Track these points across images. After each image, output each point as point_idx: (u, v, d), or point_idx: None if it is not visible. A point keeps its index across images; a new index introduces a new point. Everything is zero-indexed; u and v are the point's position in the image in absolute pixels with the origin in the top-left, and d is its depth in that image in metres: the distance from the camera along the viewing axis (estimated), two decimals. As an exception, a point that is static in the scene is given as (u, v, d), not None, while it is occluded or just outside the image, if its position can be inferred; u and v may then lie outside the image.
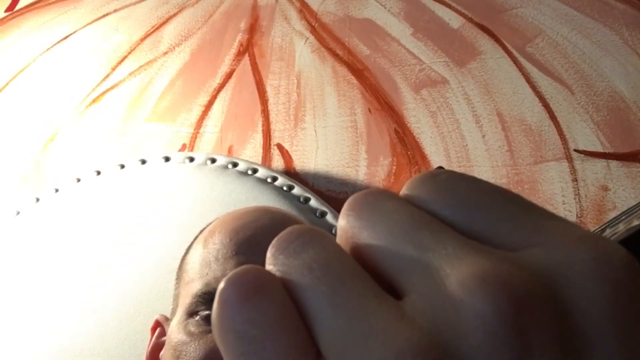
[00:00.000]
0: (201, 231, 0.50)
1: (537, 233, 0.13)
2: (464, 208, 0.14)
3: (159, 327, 0.52)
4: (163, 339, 0.50)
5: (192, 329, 0.43)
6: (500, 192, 0.14)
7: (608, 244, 0.13)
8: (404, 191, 0.15)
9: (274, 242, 0.15)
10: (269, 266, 0.15)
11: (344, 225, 0.15)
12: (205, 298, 0.43)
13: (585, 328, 0.12)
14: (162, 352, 0.48)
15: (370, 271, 0.14)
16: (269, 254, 0.15)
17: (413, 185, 0.15)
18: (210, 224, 0.50)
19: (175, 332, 0.44)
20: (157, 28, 1.04)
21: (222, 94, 0.91)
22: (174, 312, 0.48)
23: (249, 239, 0.44)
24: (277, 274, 0.14)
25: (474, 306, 0.12)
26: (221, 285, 0.14)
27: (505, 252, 0.13)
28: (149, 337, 0.52)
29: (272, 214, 0.49)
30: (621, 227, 0.17)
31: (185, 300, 0.45)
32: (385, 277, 0.14)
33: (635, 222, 0.17)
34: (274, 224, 0.46)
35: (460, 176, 0.15)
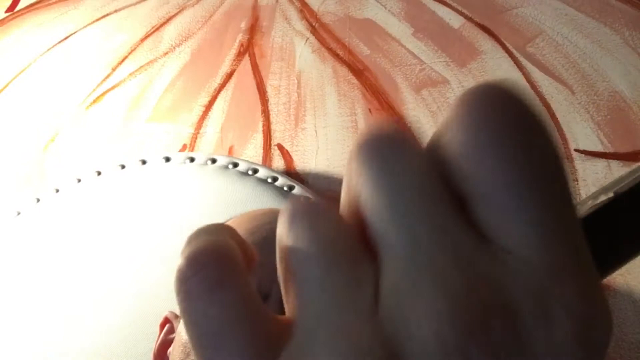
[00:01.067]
0: None
1: (538, 251, 0.13)
2: (496, 189, 0.13)
3: (168, 323, 0.52)
4: (171, 336, 0.50)
5: None
6: (546, 179, 0.13)
7: (594, 311, 0.13)
8: (445, 126, 0.14)
9: (288, 212, 0.14)
10: (281, 228, 0.14)
11: (356, 163, 0.14)
12: None
13: None
14: (170, 349, 0.48)
15: (359, 227, 0.14)
16: (280, 224, 0.14)
17: (458, 125, 0.13)
18: (226, 222, 0.51)
19: (184, 331, 0.44)
20: (158, 28, 1.04)
21: (223, 94, 0.91)
22: None
23: (264, 240, 0.44)
24: (283, 246, 0.14)
25: (426, 333, 0.12)
26: (181, 266, 0.14)
27: (494, 261, 0.12)
28: (158, 333, 0.52)
29: (273, 216, 0.49)
30: (602, 198, 0.17)
31: None
32: (370, 238, 0.14)
33: (602, 197, 0.17)
34: (272, 224, 0.47)
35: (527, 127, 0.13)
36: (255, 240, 0.45)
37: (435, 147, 0.14)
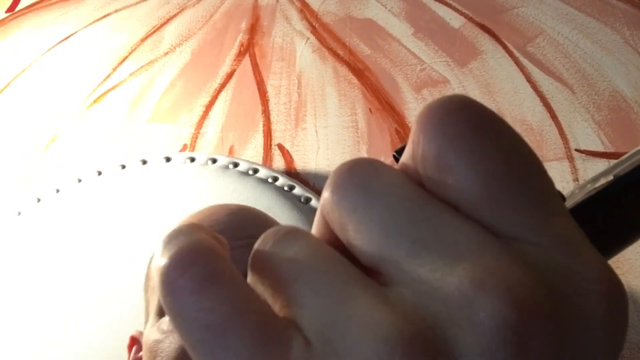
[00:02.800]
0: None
1: (544, 231, 0.13)
2: (476, 187, 0.13)
3: (136, 344, 0.51)
4: (140, 354, 0.49)
5: (165, 327, 0.43)
6: (520, 163, 0.13)
7: (614, 276, 0.13)
8: (409, 148, 0.14)
9: (263, 236, 0.14)
10: (256, 251, 0.14)
11: (328, 203, 0.14)
12: None
13: (586, 342, 0.12)
14: None
15: (354, 258, 0.14)
16: (256, 244, 0.14)
17: (421, 140, 0.13)
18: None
19: (149, 335, 0.44)
20: (158, 28, 1.04)
21: (223, 94, 0.91)
22: (147, 321, 0.48)
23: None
24: (267, 265, 0.14)
25: (475, 311, 0.11)
26: (165, 267, 0.13)
27: (509, 249, 0.12)
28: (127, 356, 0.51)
29: (229, 209, 0.49)
30: (602, 181, 0.17)
31: (155, 303, 0.45)
32: (372, 264, 0.13)
33: (602, 181, 0.17)
34: (229, 216, 0.47)
35: (480, 131, 0.13)
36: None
37: (408, 168, 0.14)
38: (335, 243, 0.14)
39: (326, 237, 0.15)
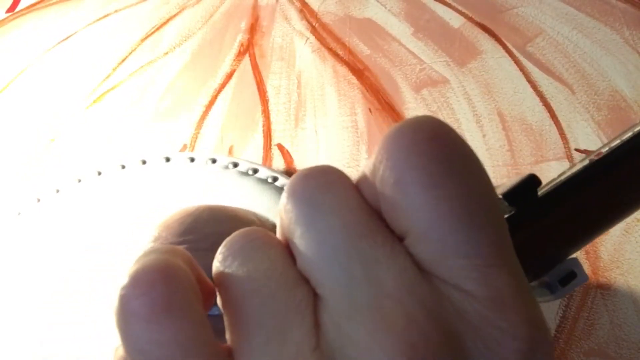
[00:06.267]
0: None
1: (478, 280, 0.12)
2: (426, 222, 0.13)
3: None
4: None
5: (121, 352, 0.43)
6: (478, 206, 0.13)
7: (539, 334, 0.12)
8: (371, 161, 0.14)
9: (226, 241, 0.14)
10: (217, 263, 0.14)
11: (282, 205, 0.14)
12: None
13: None
14: None
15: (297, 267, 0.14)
16: (219, 251, 0.14)
17: (384, 162, 0.13)
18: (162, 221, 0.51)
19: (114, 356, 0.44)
20: (158, 28, 1.04)
21: (223, 94, 0.91)
22: None
23: (186, 229, 0.43)
24: (222, 274, 0.14)
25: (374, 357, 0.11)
26: (125, 285, 0.13)
27: (432, 296, 0.12)
28: None
29: (211, 210, 0.49)
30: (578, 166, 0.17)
31: None
32: (305, 274, 0.13)
33: (578, 166, 0.17)
34: (209, 215, 0.46)
35: (448, 157, 0.13)
36: (176, 231, 0.44)
37: (366, 180, 0.14)
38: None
39: (285, 238, 0.15)
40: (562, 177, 0.18)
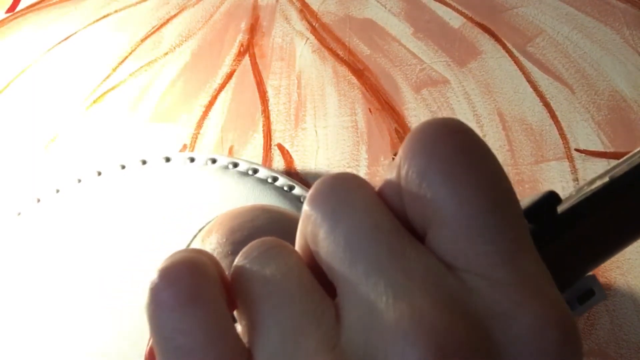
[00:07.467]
0: (200, 230, 0.50)
1: (503, 267, 0.13)
2: (451, 207, 0.13)
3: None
4: None
5: None
6: (499, 197, 0.13)
7: (572, 326, 0.12)
8: (397, 159, 0.14)
9: (245, 248, 0.15)
10: (237, 264, 0.14)
11: (304, 211, 0.15)
12: None
13: None
14: None
15: (319, 268, 0.14)
16: (238, 257, 0.15)
17: (409, 155, 0.14)
18: (209, 222, 0.50)
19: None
20: (158, 28, 1.04)
21: (223, 94, 0.91)
22: None
23: (245, 239, 0.44)
24: (240, 277, 0.14)
25: (401, 352, 0.11)
26: (154, 279, 0.13)
27: (457, 287, 0.12)
28: None
29: (270, 214, 0.49)
30: (598, 183, 0.17)
31: None
32: (330, 277, 0.14)
33: (598, 183, 0.17)
34: (270, 223, 0.46)
35: (462, 165, 0.13)
36: (237, 239, 0.44)
37: (389, 183, 0.14)
38: (310, 254, 0.14)
39: (305, 247, 0.15)
40: (581, 194, 0.18)
